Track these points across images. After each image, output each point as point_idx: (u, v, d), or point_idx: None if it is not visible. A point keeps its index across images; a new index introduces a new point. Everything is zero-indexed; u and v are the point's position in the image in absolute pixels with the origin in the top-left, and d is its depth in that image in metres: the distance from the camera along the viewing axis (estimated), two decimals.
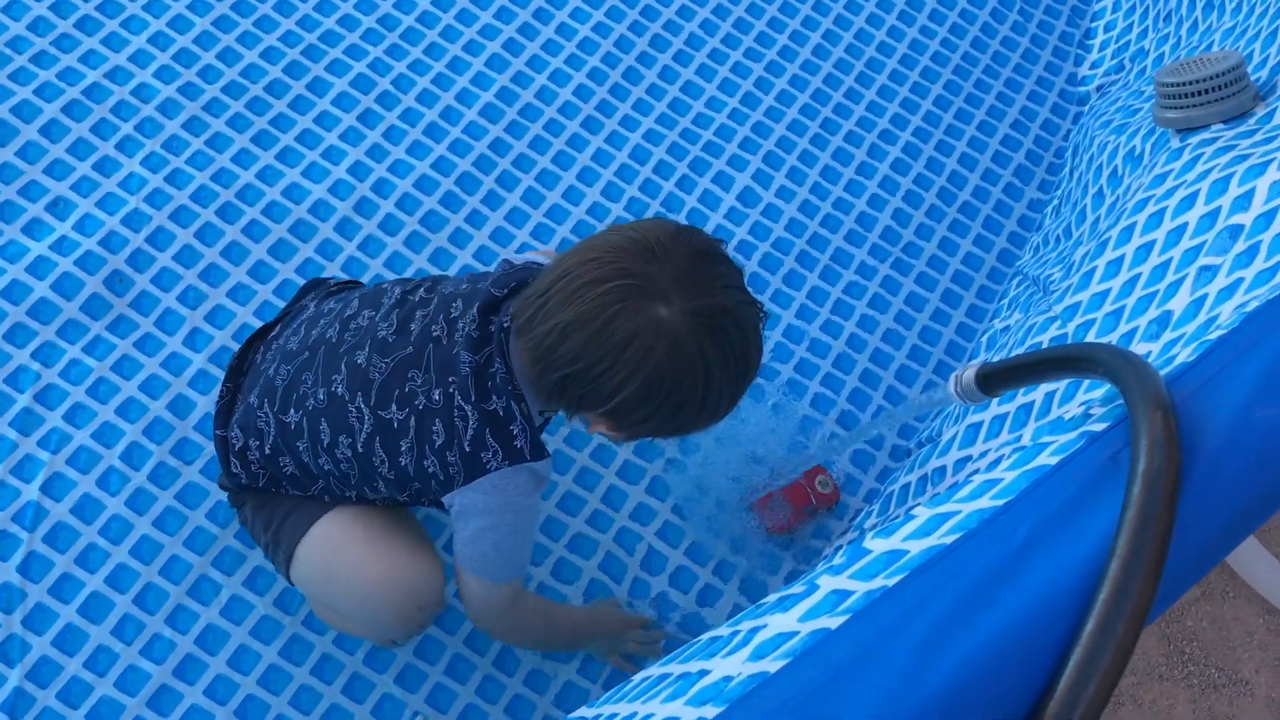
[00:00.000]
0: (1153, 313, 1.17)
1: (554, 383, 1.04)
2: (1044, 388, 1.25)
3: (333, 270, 1.64)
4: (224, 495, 1.45)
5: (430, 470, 1.13)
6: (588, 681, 1.46)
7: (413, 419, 1.12)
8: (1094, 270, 1.39)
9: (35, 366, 1.50)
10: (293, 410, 1.20)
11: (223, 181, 1.67)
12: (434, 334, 1.14)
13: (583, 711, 0.88)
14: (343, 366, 1.17)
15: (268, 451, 1.23)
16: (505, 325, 1.11)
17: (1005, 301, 1.78)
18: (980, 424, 1.38)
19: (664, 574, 1.53)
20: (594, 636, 1.44)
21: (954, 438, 1.43)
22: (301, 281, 1.61)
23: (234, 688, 1.37)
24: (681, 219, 1.79)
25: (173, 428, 1.49)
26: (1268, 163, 1.14)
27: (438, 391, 1.11)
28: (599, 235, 1.07)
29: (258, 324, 1.54)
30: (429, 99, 1.80)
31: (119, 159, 1.65)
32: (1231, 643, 1.71)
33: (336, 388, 1.16)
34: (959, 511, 0.74)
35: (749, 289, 1.06)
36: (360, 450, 1.16)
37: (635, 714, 0.74)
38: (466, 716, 1.41)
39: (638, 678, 0.85)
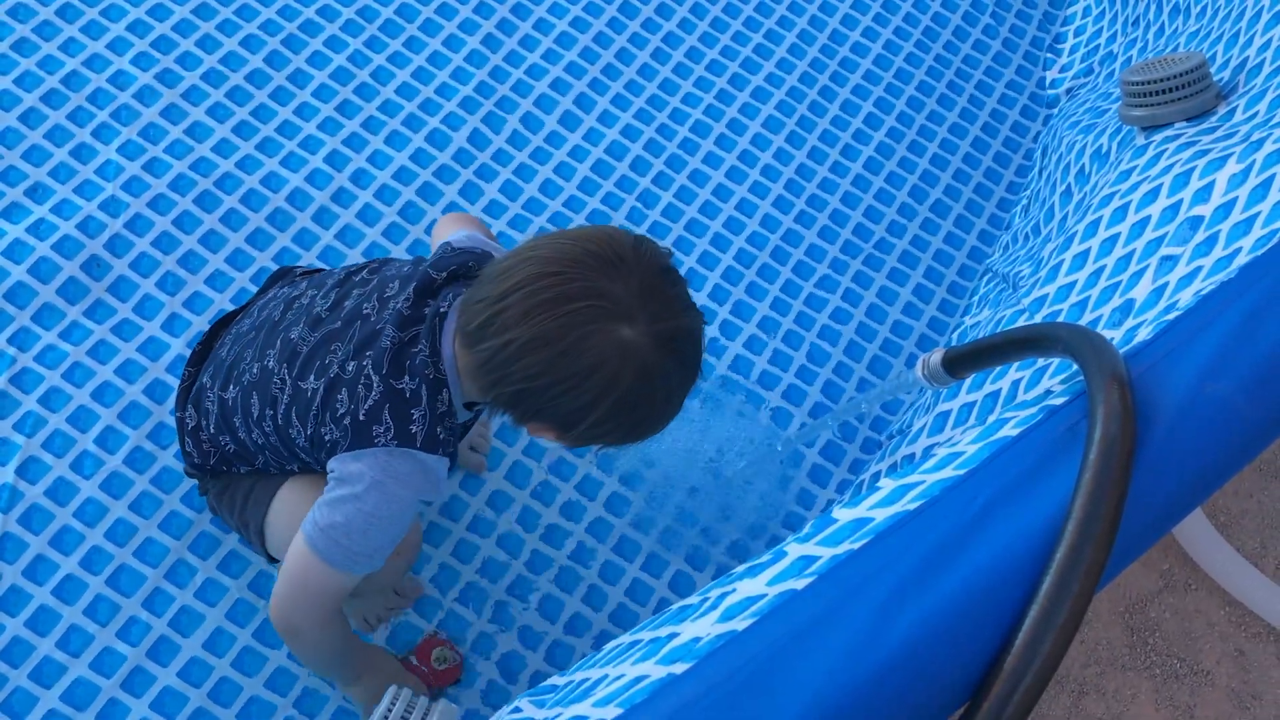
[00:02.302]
0: (1116, 301, 1.20)
1: (508, 396, 1.02)
2: (1010, 375, 1.28)
3: (309, 259, 1.65)
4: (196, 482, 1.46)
5: (327, 439, 1.10)
6: (553, 669, 1.48)
7: (323, 387, 1.10)
8: (1061, 263, 1.42)
9: (11, 351, 1.50)
10: (231, 386, 1.21)
11: (201, 170, 1.67)
12: (364, 311, 1.12)
13: (554, 680, 0.89)
14: (278, 342, 1.17)
15: (212, 430, 1.25)
16: (442, 310, 1.09)
17: (976, 298, 1.81)
18: (949, 412, 1.40)
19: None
20: (366, 673, 1.33)
21: (923, 427, 1.46)
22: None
23: (209, 670, 1.38)
24: (656, 214, 1.81)
25: (149, 412, 1.50)
26: (1227, 157, 1.17)
27: (352, 364, 1.09)
28: (554, 243, 1.01)
29: None
30: (408, 91, 1.81)
31: (96, 146, 1.65)
32: (1193, 634, 1.74)
33: (268, 361, 1.16)
34: (923, 481, 0.76)
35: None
36: (280, 422, 1.15)
37: (606, 676, 0.76)
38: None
39: (608, 646, 0.86)
